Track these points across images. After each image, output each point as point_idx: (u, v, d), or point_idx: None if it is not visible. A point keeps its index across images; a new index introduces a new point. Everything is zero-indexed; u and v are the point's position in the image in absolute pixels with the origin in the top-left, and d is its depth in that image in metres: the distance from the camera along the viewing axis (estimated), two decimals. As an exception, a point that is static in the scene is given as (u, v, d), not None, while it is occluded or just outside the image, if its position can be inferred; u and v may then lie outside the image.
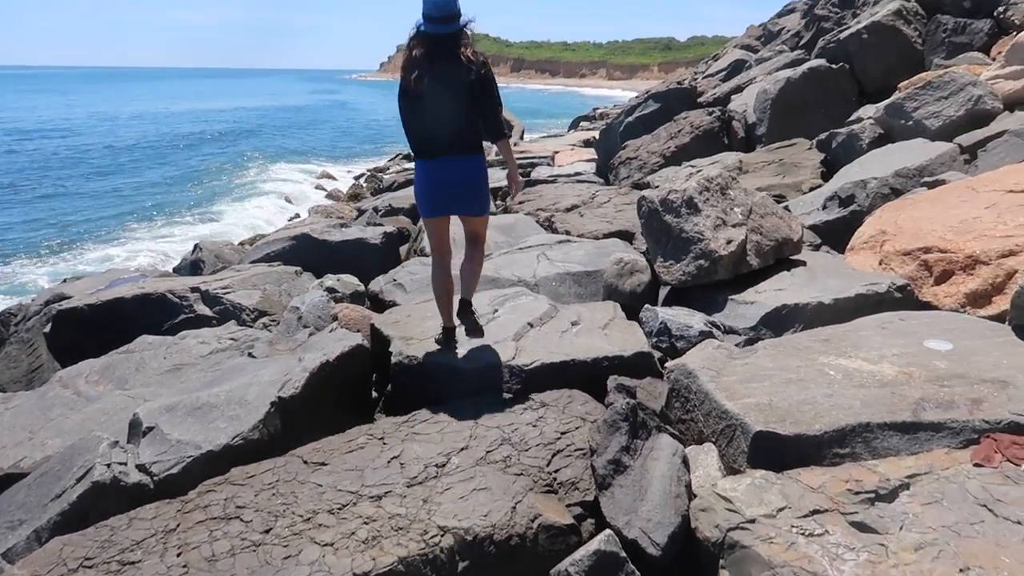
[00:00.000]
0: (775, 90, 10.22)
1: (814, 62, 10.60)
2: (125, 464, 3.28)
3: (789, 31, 15.87)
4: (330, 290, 5.58)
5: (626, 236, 7.23)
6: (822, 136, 9.04)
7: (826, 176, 8.25)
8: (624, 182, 11.21)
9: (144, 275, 7.73)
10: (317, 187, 25.85)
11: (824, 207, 6.76)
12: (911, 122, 7.69)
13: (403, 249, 8.10)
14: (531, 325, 4.47)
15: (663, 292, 5.23)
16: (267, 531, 2.78)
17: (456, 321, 4.31)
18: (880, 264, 5.11)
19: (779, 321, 4.51)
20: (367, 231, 7.44)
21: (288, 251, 7.23)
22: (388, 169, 32.17)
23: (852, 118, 9.30)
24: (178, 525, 2.87)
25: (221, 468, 3.25)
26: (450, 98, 3.93)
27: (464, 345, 4.24)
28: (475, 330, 4.27)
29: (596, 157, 13.50)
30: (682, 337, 4.39)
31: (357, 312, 5.11)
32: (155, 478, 3.25)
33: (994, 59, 8.77)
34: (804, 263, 5.22)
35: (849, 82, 10.23)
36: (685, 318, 4.50)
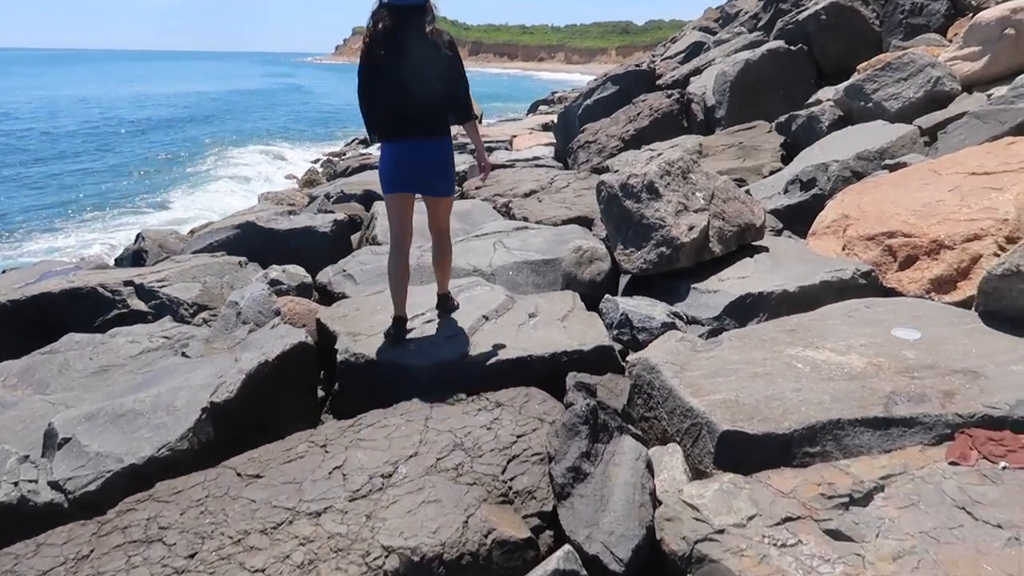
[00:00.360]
0: (734, 72, 10.09)
1: (773, 44, 10.50)
2: (35, 481, 2.96)
3: (747, 13, 15.78)
4: (274, 282, 5.26)
5: (586, 222, 7.03)
6: (782, 119, 8.93)
7: (786, 159, 8.15)
8: (583, 166, 11.02)
9: (78, 267, 7.28)
10: (280, 168, 25.22)
11: (785, 191, 6.63)
12: (871, 104, 7.60)
13: (355, 238, 7.78)
14: (486, 318, 4.23)
15: (623, 281, 5.03)
16: (192, 556, 2.52)
17: (408, 314, 4.08)
18: (843, 249, 4.99)
19: (743, 310, 4.35)
20: (316, 219, 7.10)
21: (233, 240, 6.86)
22: (344, 154, 31.71)
23: (811, 100, 9.22)
24: (92, 551, 2.58)
25: (145, 483, 2.96)
26: (418, 75, 3.75)
27: (416, 340, 4.00)
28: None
29: (555, 141, 13.28)
30: (644, 329, 4.19)
31: (302, 306, 4.81)
32: (70, 496, 2.94)
33: (951, 40, 8.74)
34: (767, 249, 5.07)
35: (808, 64, 10.15)
36: (647, 308, 4.30)
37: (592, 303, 4.59)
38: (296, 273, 5.48)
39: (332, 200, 9.60)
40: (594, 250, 4.97)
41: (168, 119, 40.90)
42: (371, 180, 9.92)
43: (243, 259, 6.65)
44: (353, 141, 34.54)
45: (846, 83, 8.25)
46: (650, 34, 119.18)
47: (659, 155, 5.31)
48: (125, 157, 27.27)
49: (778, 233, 6.00)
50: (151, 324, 4.98)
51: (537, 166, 11.14)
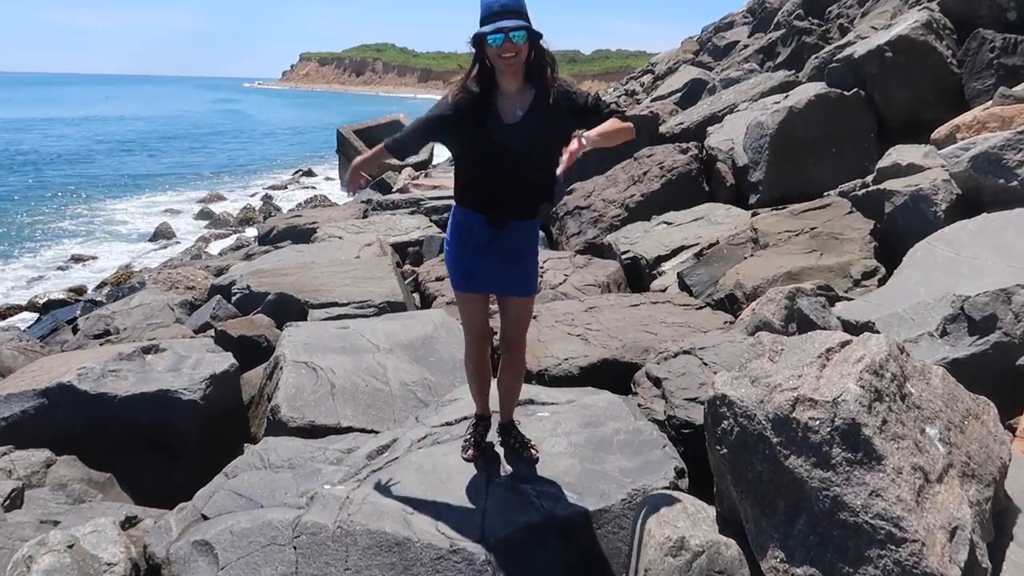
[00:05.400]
0: (774, 124, 7.70)
1: (818, 87, 8.18)
2: None
3: (747, 46, 13.58)
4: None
5: (617, 372, 4.44)
6: (858, 192, 6.56)
7: (883, 254, 5.74)
8: (574, 241, 8.48)
9: None
10: (201, 213, 22.16)
11: (943, 333, 4.16)
12: (1016, 182, 5.23)
13: (252, 377, 5.05)
14: None
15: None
16: None
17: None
18: None
19: None
20: (181, 372, 4.33)
21: (36, 417, 4.06)
22: (286, 187, 28.81)
23: (886, 164, 6.84)
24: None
25: None
26: (538, 138, 2.88)
27: None
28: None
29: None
30: None
31: None
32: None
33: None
34: None
35: (867, 114, 7.83)
36: None
37: None
38: (84, 551, 2.74)
39: (235, 297, 6.81)
40: (713, 554, 2.33)
41: (71, 151, 36.94)
42: (288, 267, 7.17)
43: (49, 456, 3.87)
44: (297, 172, 31.75)
45: (960, 147, 5.87)
46: (598, 63, 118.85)
47: (854, 350, 2.78)
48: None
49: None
50: None
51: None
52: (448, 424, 3.59)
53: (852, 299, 5.14)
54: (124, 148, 39.30)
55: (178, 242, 18.17)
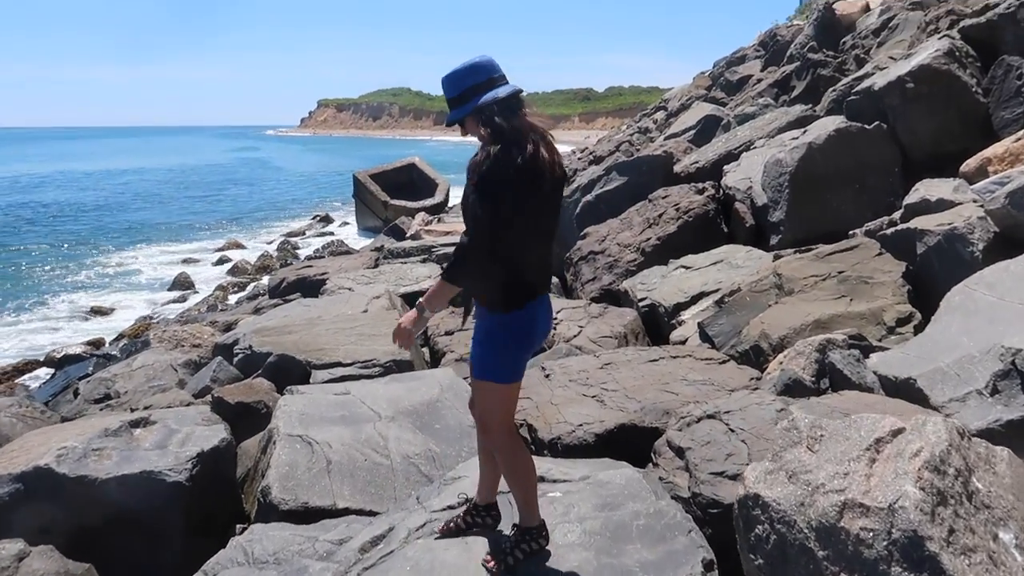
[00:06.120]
0: (793, 161, 7.40)
1: (837, 121, 7.89)
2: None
3: (760, 80, 13.37)
4: None
5: (636, 439, 4.10)
6: (886, 230, 6.22)
7: (918, 299, 5.38)
8: (588, 287, 8.18)
9: None
10: (219, 261, 22.17)
11: (992, 389, 3.79)
12: (1059, 219, 4.88)
13: (248, 447, 4.76)
14: None
15: None
16: None
17: None
18: None
19: None
20: (167, 449, 4.03)
21: (11, 504, 3.77)
22: (304, 233, 28.88)
23: (914, 200, 6.50)
24: None
25: None
26: (553, 207, 2.74)
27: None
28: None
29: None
30: None
31: None
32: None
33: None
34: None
35: (891, 148, 7.52)
36: None
37: None
38: None
39: (237, 358, 6.57)
40: None
41: (90, 202, 37.41)
42: (293, 324, 6.92)
43: (22, 547, 3.58)
44: (315, 218, 31.87)
45: (989, 180, 5.55)
46: (611, 100, 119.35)
47: (906, 436, 2.47)
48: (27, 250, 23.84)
49: None
50: None
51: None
52: (450, 508, 3.27)
53: (888, 348, 4.77)
54: (142, 198, 39.77)
55: (196, 292, 18.08)
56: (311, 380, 5.64)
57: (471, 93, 2.62)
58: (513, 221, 2.49)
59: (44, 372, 11.77)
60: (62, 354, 12.21)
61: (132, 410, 5.79)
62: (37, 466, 3.84)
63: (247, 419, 5.11)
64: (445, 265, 2.62)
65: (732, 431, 3.70)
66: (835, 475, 1.90)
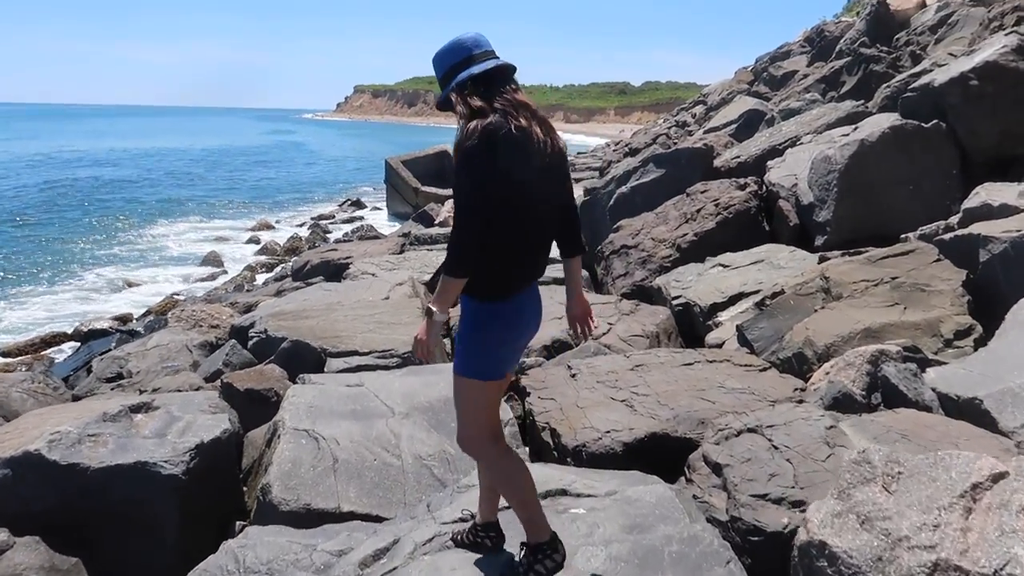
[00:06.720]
0: (843, 158, 6.97)
1: (891, 118, 7.43)
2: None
3: (806, 76, 12.85)
4: None
5: (668, 450, 3.77)
6: (943, 235, 5.79)
7: (978, 310, 4.97)
8: (620, 283, 7.83)
9: None
10: (250, 240, 22.14)
11: (1072, 418, 3.40)
12: None
13: (255, 437, 4.50)
14: None
15: None
16: None
17: None
18: None
19: None
20: (166, 439, 3.78)
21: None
22: (334, 217, 28.81)
23: (974, 204, 6.06)
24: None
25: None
26: (551, 191, 2.49)
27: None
28: None
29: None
30: None
31: None
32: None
33: None
34: None
35: (950, 149, 7.05)
36: None
37: None
38: None
39: (252, 342, 6.34)
40: None
41: (125, 178, 37.78)
42: (312, 309, 6.68)
43: (4, 537, 3.36)
44: (345, 202, 31.79)
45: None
46: (647, 95, 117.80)
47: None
48: (69, 223, 24.09)
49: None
50: None
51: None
52: (462, 520, 2.97)
53: (946, 363, 4.38)
54: (177, 176, 40.12)
55: (225, 271, 18.00)
56: (325, 368, 5.39)
57: (452, 73, 2.41)
58: (501, 198, 2.27)
59: (70, 346, 11.73)
60: (88, 328, 12.16)
61: (141, 391, 5.59)
62: (27, 451, 3.61)
63: (256, 407, 4.88)
64: (443, 261, 2.39)
65: (776, 448, 3.36)
66: (922, 526, 1.57)
